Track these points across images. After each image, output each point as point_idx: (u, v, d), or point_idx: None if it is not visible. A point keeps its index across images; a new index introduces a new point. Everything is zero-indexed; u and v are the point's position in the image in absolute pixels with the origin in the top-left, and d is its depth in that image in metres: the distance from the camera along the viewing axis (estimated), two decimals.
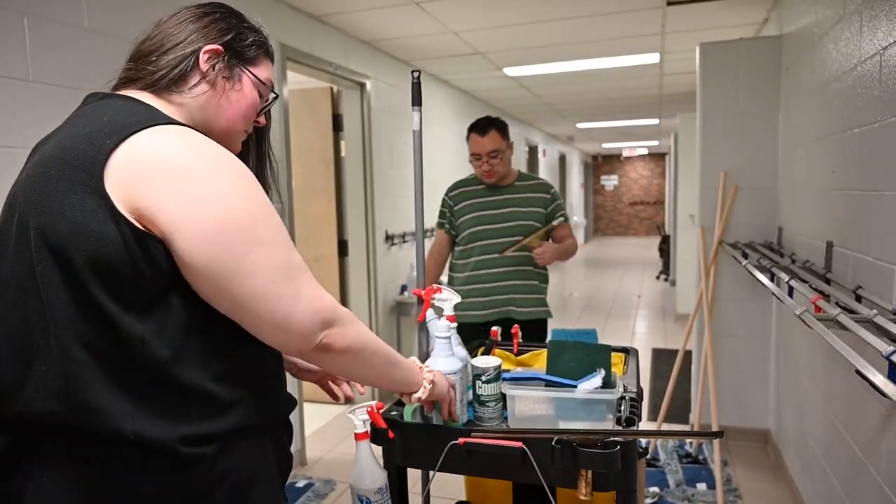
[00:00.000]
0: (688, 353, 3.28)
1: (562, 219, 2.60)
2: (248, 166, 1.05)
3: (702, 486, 2.78)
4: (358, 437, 1.17)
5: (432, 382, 1.08)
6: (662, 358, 4.85)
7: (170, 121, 0.84)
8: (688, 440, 3.27)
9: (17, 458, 0.82)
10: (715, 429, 2.99)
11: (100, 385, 0.77)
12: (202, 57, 0.91)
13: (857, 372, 1.06)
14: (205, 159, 0.80)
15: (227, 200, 0.79)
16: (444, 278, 4.66)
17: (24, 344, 0.79)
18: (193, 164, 0.79)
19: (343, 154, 3.86)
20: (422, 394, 1.07)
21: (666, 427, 3.46)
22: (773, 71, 3.00)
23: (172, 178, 0.77)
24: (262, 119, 1.03)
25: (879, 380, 0.99)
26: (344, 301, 3.96)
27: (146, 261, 0.77)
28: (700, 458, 3.06)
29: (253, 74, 0.97)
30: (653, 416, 3.65)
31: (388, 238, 4.11)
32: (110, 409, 0.77)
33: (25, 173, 0.85)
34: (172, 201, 0.76)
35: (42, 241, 0.77)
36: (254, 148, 1.07)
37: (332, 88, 3.79)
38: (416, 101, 1.32)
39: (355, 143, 3.81)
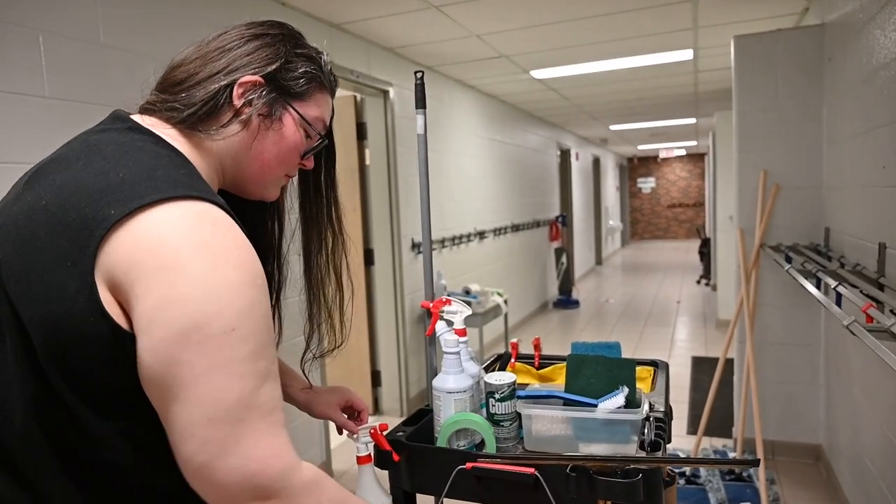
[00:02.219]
0: (729, 362, 3.11)
1: None
2: (306, 212, 0.96)
3: None
4: (360, 460, 1.10)
5: None
6: (703, 367, 4.64)
7: (192, 190, 0.68)
8: (731, 454, 3.09)
9: None
10: (759, 442, 2.82)
11: (57, 478, 0.70)
12: (236, 91, 0.77)
13: None
14: (204, 255, 0.65)
15: (204, 306, 0.64)
16: (475, 286, 4.57)
17: None
18: (187, 261, 0.64)
19: (368, 162, 3.83)
20: None
21: (706, 441, 3.29)
22: (815, 62, 2.83)
23: (159, 274, 0.64)
24: (308, 162, 0.88)
25: None
26: (370, 311, 3.92)
27: (122, 364, 0.66)
28: (744, 475, 2.88)
29: (297, 112, 0.82)
30: (692, 429, 3.47)
31: (415, 246, 4.05)
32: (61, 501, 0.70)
33: (12, 217, 0.70)
34: (148, 299, 0.64)
35: (13, 314, 0.67)
36: (313, 191, 0.95)
37: (355, 97, 3.77)
38: (420, 103, 1.24)
39: (379, 151, 3.77)
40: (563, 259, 7.82)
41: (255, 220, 0.95)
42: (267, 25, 0.83)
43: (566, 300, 7.65)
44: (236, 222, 0.71)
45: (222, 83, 0.77)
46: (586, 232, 10.40)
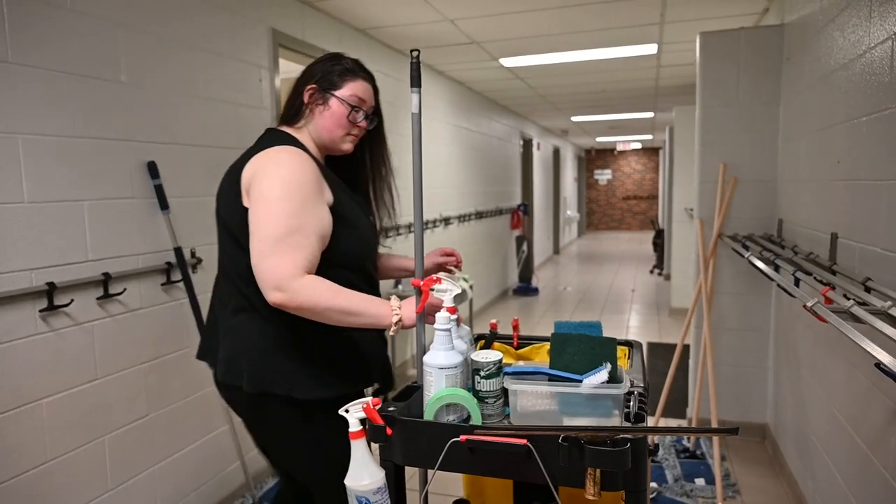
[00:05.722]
0: (686, 347, 3.25)
1: None
2: (363, 164, 1.55)
3: (700, 482, 2.75)
4: (353, 435, 1.11)
5: (400, 321, 1.30)
6: (658, 352, 4.82)
7: (284, 142, 1.37)
8: (685, 435, 3.24)
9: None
10: (714, 423, 2.96)
11: (244, 291, 1.38)
12: (305, 95, 1.42)
13: (878, 366, 1.02)
14: (279, 164, 1.30)
15: (273, 185, 1.27)
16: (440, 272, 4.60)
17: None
18: (271, 167, 1.30)
19: None
20: (393, 332, 1.31)
21: (663, 422, 3.43)
22: (774, 61, 2.96)
23: (260, 174, 1.30)
24: (363, 124, 1.45)
25: None
26: None
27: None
28: (698, 452, 3.03)
29: (336, 96, 1.41)
30: (650, 411, 3.61)
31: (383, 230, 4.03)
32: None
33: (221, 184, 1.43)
34: (253, 185, 1.30)
35: (221, 221, 1.40)
36: (369, 143, 1.54)
37: None
38: (416, 81, 1.25)
39: None
40: (524, 247, 7.94)
41: (349, 172, 1.55)
42: (327, 56, 1.46)
43: (526, 287, 7.78)
44: (317, 164, 1.38)
45: (300, 93, 1.43)
46: (545, 221, 10.57)
